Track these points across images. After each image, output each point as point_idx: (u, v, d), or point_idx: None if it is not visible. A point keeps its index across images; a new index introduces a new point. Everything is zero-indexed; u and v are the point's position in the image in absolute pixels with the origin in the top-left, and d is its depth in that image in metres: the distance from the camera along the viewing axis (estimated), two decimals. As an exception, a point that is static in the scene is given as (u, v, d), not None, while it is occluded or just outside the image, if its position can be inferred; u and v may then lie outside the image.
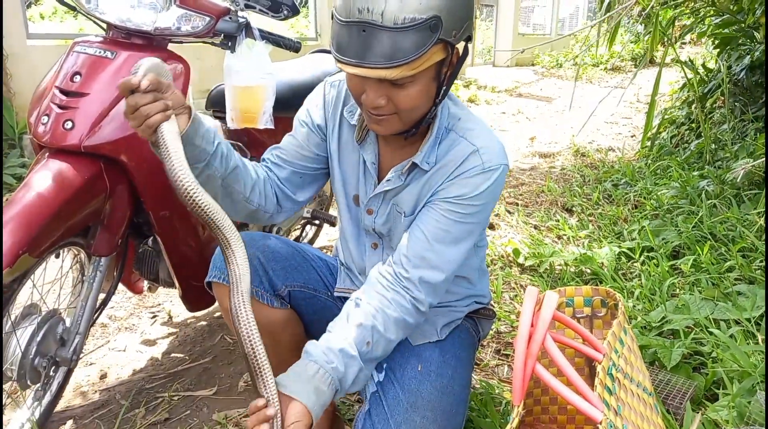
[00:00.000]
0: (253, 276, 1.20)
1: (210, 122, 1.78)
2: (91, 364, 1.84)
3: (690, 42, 9.14)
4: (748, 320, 1.73)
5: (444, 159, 1.13)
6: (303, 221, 2.45)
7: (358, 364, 1.03)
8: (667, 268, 2.23)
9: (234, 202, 1.15)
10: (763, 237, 2.32)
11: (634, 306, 2.02)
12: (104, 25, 1.50)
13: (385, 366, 1.18)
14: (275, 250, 1.25)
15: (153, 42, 1.49)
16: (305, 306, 1.30)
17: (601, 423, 0.86)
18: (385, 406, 1.11)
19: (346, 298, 1.34)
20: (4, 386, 1.43)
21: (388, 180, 1.17)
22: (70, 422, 1.56)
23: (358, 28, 0.93)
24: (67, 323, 1.47)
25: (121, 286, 1.80)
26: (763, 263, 2.13)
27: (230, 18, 1.53)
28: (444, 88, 1.06)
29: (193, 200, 0.91)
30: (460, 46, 1.04)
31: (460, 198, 1.10)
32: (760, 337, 1.65)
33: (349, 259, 1.32)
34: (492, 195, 1.12)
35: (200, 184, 0.94)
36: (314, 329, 1.34)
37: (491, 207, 1.15)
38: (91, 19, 1.50)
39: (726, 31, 3.81)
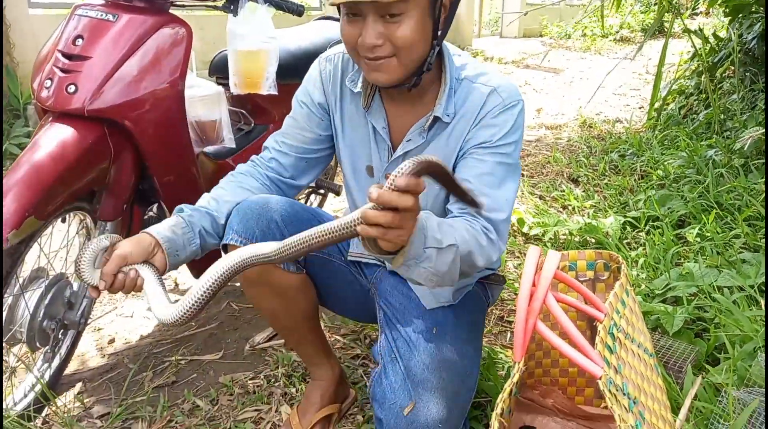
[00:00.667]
0: (270, 239, 1.20)
1: (213, 89, 1.77)
2: (99, 330, 1.87)
3: (701, 13, 8.96)
4: (752, 287, 1.73)
5: (463, 108, 1.14)
6: (308, 191, 2.45)
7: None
8: (672, 237, 2.22)
9: None
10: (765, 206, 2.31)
11: (638, 274, 2.02)
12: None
13: (400, 328, 1.20)
14: (292, 214, 1.24)
15: (154, 5, 1.47)
16: (320, 271, 1.30)
17: (600, 379, 0.87)
18: (401, 366, 1.12)
19: (358, 263, 1.35)
20: (14, 349, 1.46)
21: (408, 140, 1.17)
22: (79, 384, 1.59)
23: None
24: (75, 287, 1.49)
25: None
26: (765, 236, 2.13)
27: (232, -20, 1.51)
28: (440, 30, 1.06)
29: (186, 317, 1.01)
30: None
31: (491, 140, 1.11)
32: (763, 302, 1.65)
33: None
34: (520, 130, 1.14)
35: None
36: (327, 294, 1.35)
37: (521, 144, 1.16)
38: (92, -18, 1.48)
39: (738, -1, 3.73)
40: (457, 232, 0.98)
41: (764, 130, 2.39)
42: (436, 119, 1.14)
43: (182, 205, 1.15)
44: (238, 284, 2.03)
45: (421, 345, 1.15)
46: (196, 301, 0.97)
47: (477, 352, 1.25)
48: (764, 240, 2.07)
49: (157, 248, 1.07)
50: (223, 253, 1.24)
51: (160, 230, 1.08)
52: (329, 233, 0.83)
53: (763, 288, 1.73)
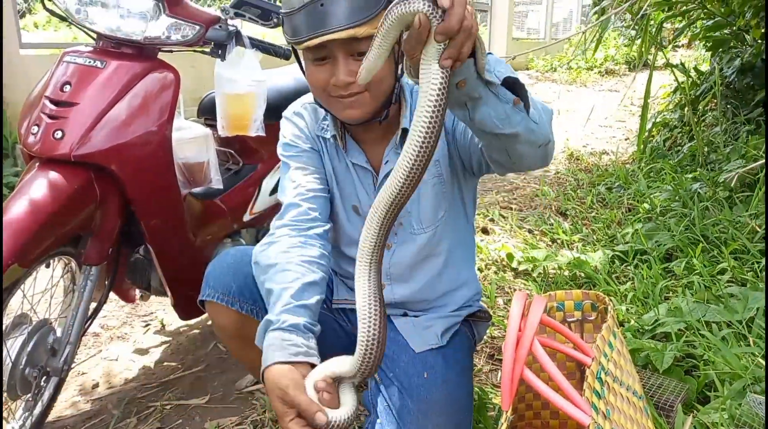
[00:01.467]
0: (248, 294, 1.19)
1: (201, 131, 1.78)
2: (82, 374, 1.84)
3: (683, 45, 9.19)
4: (740, 322, 1.74)
5: None
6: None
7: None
8: (660, 271, 2.23)
9: None
10: (756, 238, 2.33)
11: (627, 309, 2.02)
12: (94, 35, 1.50)
13: (390, 375, 1.18)
14: None
15: (143, 51, 1.49)
16: None
17: (588, 427, 0.86)
18: (395, 415, 1.11)
19: (343, 310, 1.34)
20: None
21: (386, 162, 1.19)
22: (62, 432, 1.55)
23: (316, 4, 0.98)
24: (58, 333, 1.47)
25: (113, 296, 1.80)
26: (755, 265, 2.14)
27: (220, 26, 1.54)
28: (401, 63, 1.09)
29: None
30: None
31: None
32: (752, 339, 1.66)
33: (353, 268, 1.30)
34: None
35: None
36: None
37: None
38: (81, 29, 1.51)
39: (717, 34, 3.84)
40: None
41: (749, 166, 2.43)
42: (405, 131, 1.16)
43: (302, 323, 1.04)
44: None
45: (413, 391, 1.13)
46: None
47: (469, 395, 1.24)
48: (752, 274, 2.08)
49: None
50: (200, 307, 1.24)
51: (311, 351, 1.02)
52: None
53: (751, 324, 1.74)
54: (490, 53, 0.89)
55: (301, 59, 1.13)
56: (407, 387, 1.14)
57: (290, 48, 1.75)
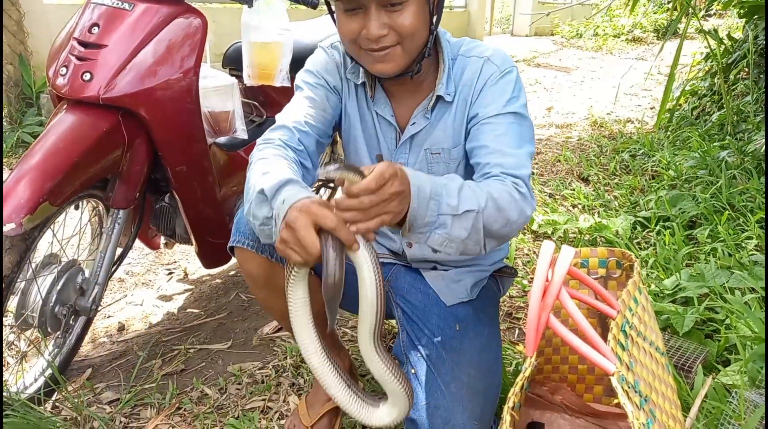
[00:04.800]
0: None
1: (227, 80, 1.77)
2: (109, 317, 1.88)
3: (715, 14, 8.88)
4: (763, 289, 1.72)
5: (461, 82, 1.15)
6: (318, 184, 2.45)
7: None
8: (682, 238, 2.21)
9: None
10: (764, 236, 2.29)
11: (648, 274, 2.01)
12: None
13: (422, 326, 1.20)
14: None
15: (171, -6, 1.48)
16: None
17: (613, 375, 0.86)
18: (431, 366, 1.12)
19: None
20: (25, 333, 1.47)
21: (413, 123, 1.17)
22: (89, 370, 1.60)
23: None
24: (86, 274, 1.50)
25: (138, 243, 1.83)
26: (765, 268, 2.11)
27: (249, -29, 1.51)
28: (435, 16, 1.08)
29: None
30: None
31: (498, 106, 1.11)
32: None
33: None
34: (522, 91, 1.15)
35: None
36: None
37: (526, 106, 1.15)
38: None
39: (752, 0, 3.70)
40: (482, 195, 0.95)
41: (765, 129, 2.37)
42: (439, 99, 1.15)
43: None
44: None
45: (446, 343, 1.15)
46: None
47: (499, 346, 1.25)
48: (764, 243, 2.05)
49: None
50: (230, 253, 1.24)
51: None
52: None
53: (775, 290, 1.72)
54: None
55: (333, 9, 1.11)
56: (440, 339, 1.15)
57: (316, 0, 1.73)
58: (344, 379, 0.96)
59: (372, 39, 1.03)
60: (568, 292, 1.00)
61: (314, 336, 0.95)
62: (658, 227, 2.41)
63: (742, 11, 3.91)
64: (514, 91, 1.13)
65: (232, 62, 1.96)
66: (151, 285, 2.09)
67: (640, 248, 2.28)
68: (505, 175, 1.03)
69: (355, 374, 1.48)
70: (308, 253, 0.85)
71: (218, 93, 1.78)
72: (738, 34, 4.38)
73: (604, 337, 0.98)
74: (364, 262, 0.88)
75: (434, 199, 0.90)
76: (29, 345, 1.49)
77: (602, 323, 1.31)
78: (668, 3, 3.50)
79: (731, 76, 3.96)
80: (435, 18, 1.09)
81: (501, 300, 1.95)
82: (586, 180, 3.24)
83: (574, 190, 2.97)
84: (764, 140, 2.40)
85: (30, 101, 3.66)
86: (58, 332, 1.47)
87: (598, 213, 2.66)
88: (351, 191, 0.81)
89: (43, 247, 1.43)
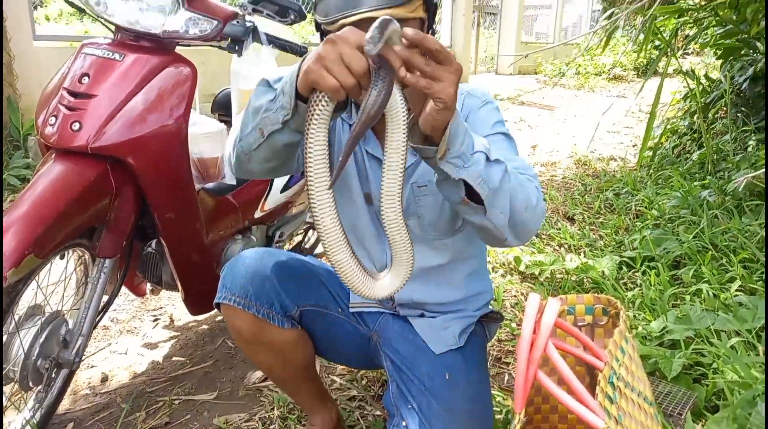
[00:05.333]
0: (264, 298, 1.20)
1: (216, 126, 1.79)
2: (92, 367, 1.84)
3: (693, 52, 9.16)
4: (749, 331, 1.73)
5: None
6: (306, 226, 2.46)
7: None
8: (668, 278, 2.23)
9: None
10: (764, 248, 2.32)
11: (635, 316, 2.02)
12: (112, 27, 1.51)
13: (411, 376, 1.19)
14: (287, 270, 1.25)
15: (161, 44, 1.50)
16: (316, 324, 1.30)
17: (602, 431, 0.86)
18: (422, 417, 1.12)
19: (360, 313, 1.34)
20: (5, 388, 1.43)
21: None
22: (70, 425, 1.56)
23: None
24: (70, 325, 1.47)
25: (123, 289, 1.80)
26: (765, 274, 2.13)
27: (238, 22, 1.54)
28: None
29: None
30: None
31: (487, 128, 1.13)
32: (761, 348, 1.65)
33: (365, 259, 1.29)
34: (502, 118, 1.18)
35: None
36: (325, 346, 1.34)
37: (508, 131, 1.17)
38: (99, 21, 1.51)
39: (728, 41, 3.83)
40: (507, 163, 0.95)
41: (757, 172, 2.42)
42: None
43: None
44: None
45: (437, 392, 1.14)
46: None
47: (488, 394, 1.25)
48: (761, 283, 2.08)
49: None
50: (216, 309, 1.24)
51: None
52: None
53: (761, 333, 1.73)
54: (480, 150, 0.90)
55: None
56: (430, 388, 1.15)
57: (305, 45, 1.77)
58: (351, 248, 0.88)
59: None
60: (556, 345, 1.01)
61: (329, 192, 0.82)
62: (643, 267, 2.43)
63: (718, 52, 4.04)
64: (498, 117, 1.17)
65: (222, 108, 1.99)
66: (136, 332, 2.06)
67: (627, 289, 2.30)
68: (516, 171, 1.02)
69: (343, 426, 1.46)
70: (350, 73, 0.76)
71: (207, 139, 1.79)
72: (715, 74, 4.52)
73: (593, 387, 0.98)
74: (401, 103, 0.80)
75: (469, 136, 0.88)
76: (9, 400, 1.46)
77: (591, 371, 1.31)
78: (652, 44, 3.60)
79: (710, 115, 4.07)
80: None
81: (490, 344, 1.95)
82: (571, 219, 3.27)
83: (560, 229, 2.99)
84: (743, 177, 2.45)
85: (17, 144, 3.66)
86: (40, 386, 1.43)
87: (584, 253, 2.68)
88: (425, 41, 0.75)
89: (28, 294, 1.41)
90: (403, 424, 1.12)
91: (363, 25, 1.01)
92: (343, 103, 0.86)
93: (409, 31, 0.76)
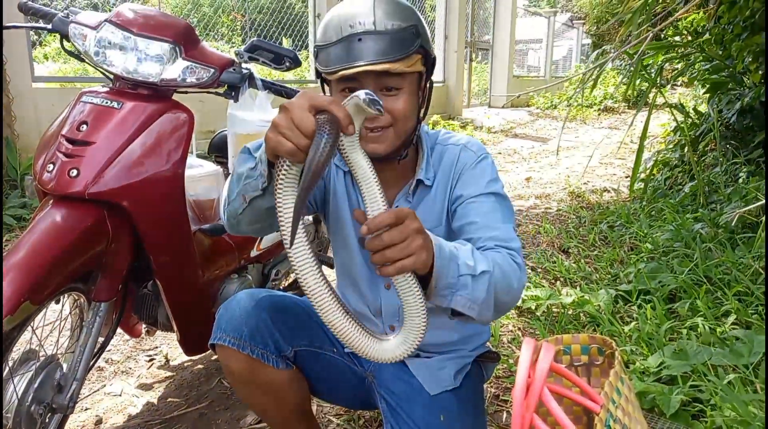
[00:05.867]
0: (259, 338, 1.20)
1: (212, 168, 1.81)
2: (86, 409, 1.82)
3: (682, 84, 9.33)
4: (746, 367, 1.74)
5: (440, 169, 1.21)
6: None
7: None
8: (663, 312, 2.24)
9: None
10: (759, 280, 2.34)
11: (632, 351, 2.02)
12: (111, 76, 1.54)
13: (406, 417, 1.19)
14: (282, 310, 1.26)
15: (158, 92, 1.53)
16: (310, 364, 1.30)
17: (599, 477, 0.86)
18: None
19: (353, 353, 1.34)
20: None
21: (396, 206, 1.21)
22: (63, 470, 1.53)
23: (353, 38, 1.04)
24: (65, 369, 1.47)
25: (118, 330, 1.80)
26: (759, 308, 2.14)
27: (234, 69, 1.58)
28: (422, 108, 1.17)
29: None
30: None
31: (481, 186, 1.16)
32: (759, 384, 1.65)
33: (360, 303, 1.31)
34: (498, 176, 1.21)
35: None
36: (320, 386, 1.34)
37: (503, 189, 1.20)
38: (99, 70, 1.55)
39: (715, 76, 3.91)
40: (489, 259, 0.98)
41: (748, 207, 2.45)
42: (419, 183, 1.20)
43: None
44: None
45: None
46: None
47: None
48: (757, 317, 2.08)
49: None
50: (212, 350, 1.24)
51: None
52: None
53: (758, 368, 1.73)
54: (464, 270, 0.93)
55: (327, 92, 1.17)
56: None
57: (300, 91, 1.80)
58: (345, 307, 0.88)
59: (368, 118, 1.08)
60: (551, 388, 1.01)
61: (308, 250, 0.84)
62: (639, 301, 2.44)
63: (706, 86, 4.13)
64: (492, 174, 1.20)
65: (218, 150, 2.01)
66: (131, 373, 2.04)
67: (623, 322, 2.30)
68: (499, 247, 1.06)
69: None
70: (302, 134, 0.80)
71: (204, 181, 1.81)
72: (704, 106, 4.60)
73: (591, 426, 0.98)
74: (359, 150, 0.86)
75: (453, 261, 0.91)
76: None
77: (588, 412, 1.31)
78: (633, 79, 3.68)
79: (700, 148, 4.13)
80: (422, 110, 1.17)
81: (488, 381, 1.94)
82: (566, 252, 3.29)
83: (555, 262, 3.01)
84: (736, 211, 2.49)
85: (14, 184, 3.68)
86: (33, 432, 1.42)
87: (580, 286, 2.69)
88: (370, 224, 0.81)
89: (23, 338, 1.40)
90: None
91: (362, 77, 1.05)
92: None
93: (363, 228, 0.82)
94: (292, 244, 0.82)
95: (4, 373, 1.33)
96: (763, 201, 2.50)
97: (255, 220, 1.05)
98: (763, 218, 2.65)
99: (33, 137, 1.43)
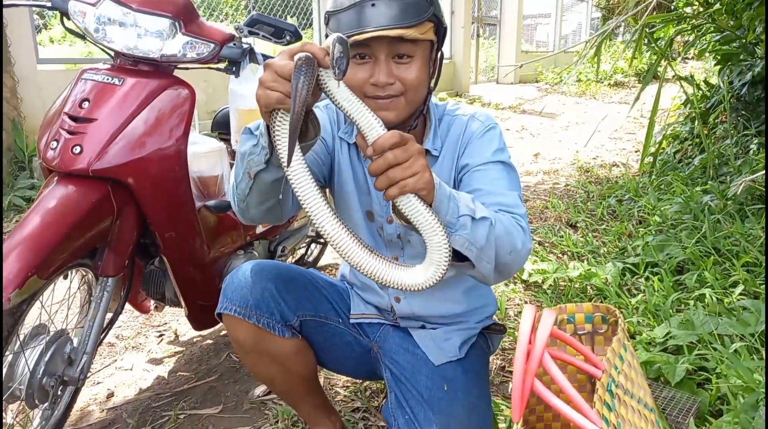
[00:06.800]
0: (264, 307, 1.21)
1: (215, 145, 1.81)
2: (98, 383, 1.86)
3: (693, 57, 9.18)
4: (752, 335, 1.73)
5: (447, 139, 1.20)
6: (308, 240, 2.47)
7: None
8: (671, 284, 2.23)
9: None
10: (765, 251, 2.32)
11: (638, 322, 2.02)
12: (111, 53, 1.54)
13: (410, 387, 1.20)
14: (287, 280, 1.26)
15: (159, 68, 1.53)
16: (316, 334, 1.31)
17: (599, 439, 0.86)
18: (418, 427, 1.12)
19: (360, 324, 1.36)
20: (12, 406, 1.45)
21: None
22: (77, 442, 1.57)
23: (367, 4, 1.03)
24: (75, 343, 1.49)
25: (128, 306, 1.82)
26: (765, 278, 2.13)
27: (234, 44, 1.57)
28: (433, 78, 1.16)
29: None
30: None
31: (488, 155, 1.15)
32: (764, 352, 1.65)
33: (366, 277, 1.31)
34: (506, 146, 1.20)
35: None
36: (326, 356, 1.35)
37: (510, 159, 1.19)
38: (99, 47, 1.54)
39: (726, 47, 3.84)
40: (491, 212, 0.97)
41: (756, 175, 2.42)
42: (426, 153, 1.18)
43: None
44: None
45: (434, 404, 1.15)
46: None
47: (489, 406, 1.25)
48: (765, 287, 2.07)
49: None
50: (218, 319, 1.25)
51: None
52: None
53: (764, 337, 1.73)
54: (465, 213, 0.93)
55: None
56: (428, 399, 1.15)
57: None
58: (360, 240, 0.87)
59: (380, 86, 1.08)
60: (553, 354, 1.01)
61: (316, 191, 0.85)
62: (646, 273, 2.43)
63: (717, 57, 4.05)
64: (500, 144, 1.19)
65: (221, 127, 2.01)
66: (141, 348, 2.07)
67: (630, 295, 2.30)
68: (504, 211, 1.05)
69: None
70: (285, 80, 0.83)
71: (207, 158, 1.82)
72: (715, 79, 4.52)
73: (594, 395, 0.99)
74: (343, 86, 0.85)
75: (453, 200, 0.92)
76: (16, 418, 1.47)
77: (592, 379, 1.31)
78: (647, 51, 3.63)
79: (711, 120, 4.07)
80: (433, 80, 1.17)
81: (495, 353, 1.95)
82: (574, 226, 3.28)
83: (562, 237, 3.00)
84: (742, 180, 2.46)
85: (22, 165, 3.71)
86: (46, 404, 1.45)
87: (587, 260, 2.69)
88: (375, 144, 0.82)
89: (31, 316, 1.43)
90: None
91: (374, 43, 1.04)
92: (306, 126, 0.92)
93: (368, 149, 0.83)
94: (289, 163, 0.83)
95: (16, 346, 1.35)
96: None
97: (263, 199, 1.05)
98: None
99: (40, 119, 1.43)
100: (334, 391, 1.77)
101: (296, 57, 0.81)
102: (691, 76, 4.40)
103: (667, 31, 4.02)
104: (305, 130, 0.93)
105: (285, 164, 0.84)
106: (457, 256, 0.95)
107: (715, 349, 1.69)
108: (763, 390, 1.43)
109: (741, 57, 3.79)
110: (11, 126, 3.67)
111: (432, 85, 1.17)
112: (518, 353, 0.92)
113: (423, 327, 1.32)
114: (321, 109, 1.29)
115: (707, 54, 4.47)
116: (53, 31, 8.64)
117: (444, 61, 9.57)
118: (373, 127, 0.84)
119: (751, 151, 3.38)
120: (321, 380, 1.76)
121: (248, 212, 1.09)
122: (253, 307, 1.19)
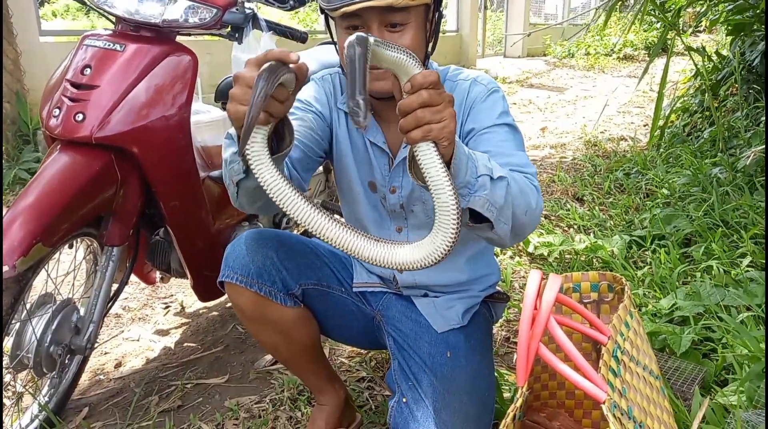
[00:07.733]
0: (266, 276, 1.21)
1: (219, 114, 1.80)
2: (105, 354, 1.88)
3: (704, 30, 9.01)
4: (759, 306, 1.72)
5: None
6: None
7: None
8: (678, 256, 2.22)
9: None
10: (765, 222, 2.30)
11: (644, 294, 2.01)
12: (113, 19, 1.52)
13: (413, 354, 1.20)
14: (289, 248, 1.26)
15: (161, 34, 1.51)
16: (319, 302, 1.31)
17: (604, 403, 0.86)
18: (421, 393, 1.13)
19: (363, 293, 1.35)
20: (20, 374, 1.47)
21: (405, 146, 1.18)
22: (85, 409, 1.59)
23: None
24: (81, 312, 1.50)
25: (134, 278, 1.83)
26: (765, 249, 2.12)
27: (237, 9, 1.54)
28: (430, 42, 1.14)
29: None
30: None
31: (492, 118, 1.13)
32: (765, 322, 1.64)
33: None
34: (509, 109, 1.18)
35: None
36: (329, 325, 1.35)
37: (515, 122, 1.18)
38: (100, 13, 1.52)
39: (739, 17, 3.76)
40: (506, 172, 0.96)
41: (765, 148, 2.39)
42: None
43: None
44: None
45: (437, 370, 1.15)
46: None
47: (491, 373, 1.25)
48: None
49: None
50: (220, 288, 1.25)
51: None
52: None
53: (771, 307, 1.72)
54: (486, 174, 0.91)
55: (332, 29, 1.14)
56: (431, 366, 1.15)
57: (306, 32, 1.76)
58: (341, 222, 0.83)
59: None
60: (559, 320, 1.01)
61: (287, 185, 0.82)
62: (653, 246, 2.42)
63: (728, 28, 3.97)
64: (504, 107, 1.17)
65: (224, 96, 1.99)
66: (148, 319, 2.09)
67: (636, 267, 2.29)
68: (515, 171, 1.03)
69: (352, 406, 1.48)
70: (249, 89, 0.81)
71: (211, 127, 1.80)
72: (726, 51, 4.44)
73: (599, 362, 0.98)
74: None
75: (471, 160, 0.90)
76: (25, 386, 1.49)
77: (598, 347, 1.31)
78: (657, 22, 3.55)
79: (721, 93, 4.01)
80: (430, 45, 1.14)
81: (499, 324, 1.95)
82: (581, 200, 3.25)
83: (569, 210, 2.98)
84: (751, 151, 2.43)
85: (27, 138, 3.70)
86: (54, 372, 1.46)
87: (594, 233, 2.67)
88: (414, 81, 0.79)
89: (38, 285, 1.44)
90: (404, 400, 1.13)
91: (365, 14, 1.02)
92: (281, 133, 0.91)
93: (406, 85, 0.80)
94: (241, 152, 0.82)
95: (23, 315, 1.36)
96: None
97: (253, 200, 1.05)
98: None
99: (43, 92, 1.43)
100: (339, 361, 1.78)
101: (262, 67, 0.80)
102: (703, 48, 4.32)
103: (678, 1, 3.93)
104: (281, 136, 0.92)
105: (261, 178, 0.82)
106: (474, 219, 0.94)
107: (721, 320, 1.68)
108: (770, 359, 1.42)
109: (754, 27, 3.71)
110: (15, 99, 3.66)
111: (429, 49, 1.14)
112: (524, 317, 0.92)
113: (426, 295, 1.32)
114: (316, 82, 1.27)
115: (719, 25, 4.38)
116: (56, 4, 8.56)
117: (450, 34, 9.40)
118: (411, 65, 0.82)
119: (762, 124, 3.33)
120: (326, 351, 1.77)
121: (245, 208, 1.10)
122: (254, 276, 1.19)
